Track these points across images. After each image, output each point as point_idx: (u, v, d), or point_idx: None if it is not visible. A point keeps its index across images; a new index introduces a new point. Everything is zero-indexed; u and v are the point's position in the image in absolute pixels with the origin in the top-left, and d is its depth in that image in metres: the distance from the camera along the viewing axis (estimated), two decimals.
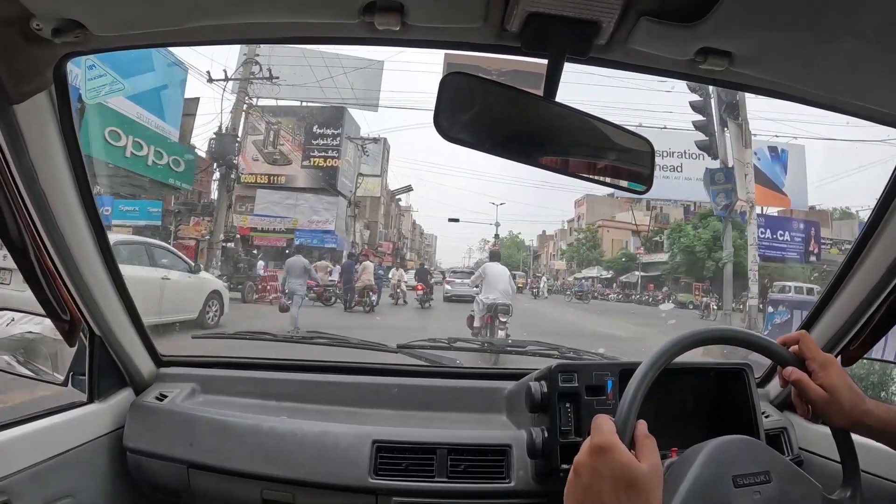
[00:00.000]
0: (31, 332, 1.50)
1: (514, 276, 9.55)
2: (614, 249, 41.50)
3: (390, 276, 17.85)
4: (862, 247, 1.26)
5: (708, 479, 0.84)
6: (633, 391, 0.80)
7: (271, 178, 31.91)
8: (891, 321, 1.28)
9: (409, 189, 42.09)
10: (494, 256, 9.72)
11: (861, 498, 0.90)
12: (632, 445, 0.74)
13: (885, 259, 1.21)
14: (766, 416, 1.50)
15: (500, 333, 7.98)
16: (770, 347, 0.94)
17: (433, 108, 0.80)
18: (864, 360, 1.50)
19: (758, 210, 28.67)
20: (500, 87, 0.85)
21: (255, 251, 24.83)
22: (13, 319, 1.48)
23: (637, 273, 36.93)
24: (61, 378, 1.41)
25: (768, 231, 27.92)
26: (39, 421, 1.21)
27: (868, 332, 1.33)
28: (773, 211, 28.91)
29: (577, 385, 1.26)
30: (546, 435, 1.23)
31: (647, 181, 0.94)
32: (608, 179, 0.93)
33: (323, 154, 32.38)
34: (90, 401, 1.37)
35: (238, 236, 24.26)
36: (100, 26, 0.84)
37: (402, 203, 48.44)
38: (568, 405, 1.25)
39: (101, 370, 1.39)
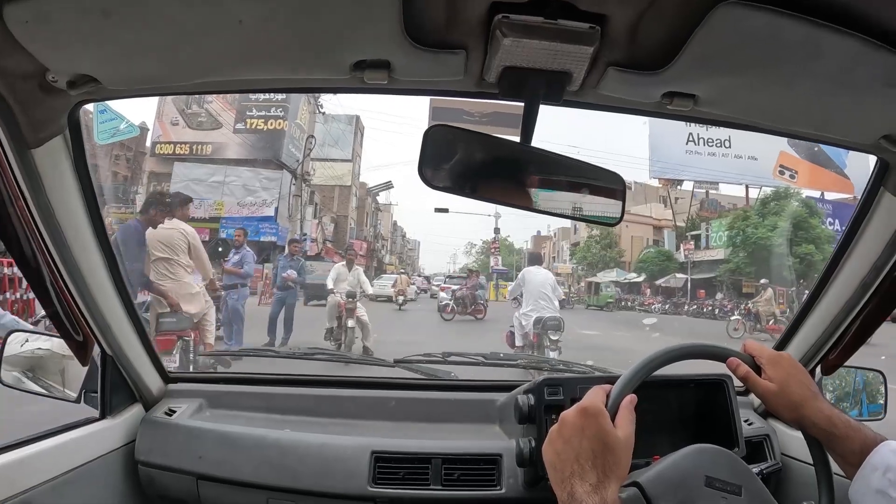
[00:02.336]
0: (40, 348, 1.57)
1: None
2: (634, 248, 35.43)
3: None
4: (838, 259, 1.32)
5: (683, 469, 0.90)
6: (630, 375, 0.90)
7: (194, 147, 23.92)
8: (867, 331, 1.34)
9: (388, 186, 36.34)
10: (534, 259, 8.25)
11: None
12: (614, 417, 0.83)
13: (860, 270, 1.27)
14: (750, 424, 1.55)
15: (552, 355, 6.15)
16: (710, 351, 1.00)
17: (417, 159, 0.87)
18: (844, 369, 1.55)
19: (816, 195, 25.06)
20: (480, 135, 0.93)
21: None
22: (27, 340, 1.56)
23: (680, 276, 29.04)
24: (74, 395, 1.48)
25: (837, 222, 24.70)
26: (57, 437, 1.27)
27: (846, 342, 1.39)
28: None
29: (562, 398, 1.33)
30: (533, 445, 1.30)
31: (619, 213, 1.01)
32: (582, 215, 1.01)
33: (264, 114, 24.65)
34: (102, 416, 1.44)
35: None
36: (112, 81, 0.91)
37: (382, 199, 41.50)
38: (554, 417, 1.30)
39: (113, 387, 1.45)
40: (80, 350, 1.32)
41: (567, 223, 43.78)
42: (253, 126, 24.53)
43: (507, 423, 1.51)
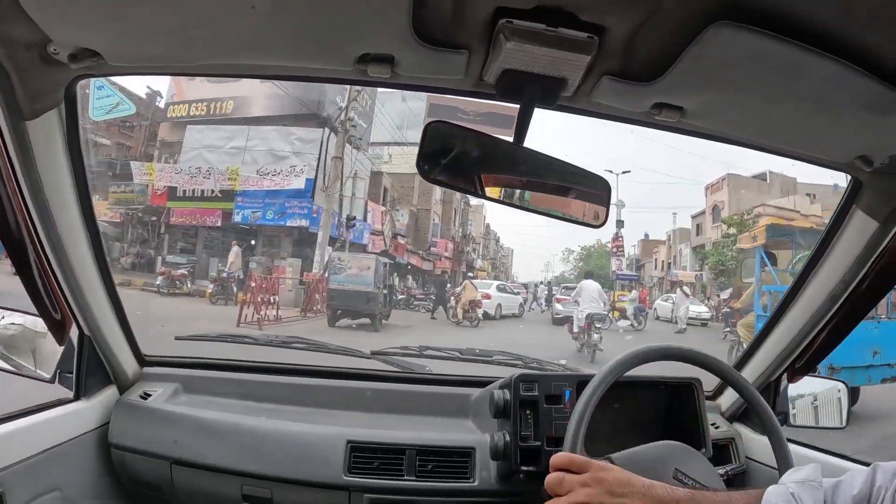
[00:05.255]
0: (14, 323, 1.53)
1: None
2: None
3: None
4: (808, 272, 1.38)
5: (655, 457, 1.00)
6: (578, 416, 0.99)
7: (212, 105, 19.23)
8: (833, 342, 1.40)
9: None
10: (588, 275, 12.44)
11: None
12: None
13: (829, 283, 1.33)
14: (716, 427, 1.61)
15: (595, 336, 10.03)
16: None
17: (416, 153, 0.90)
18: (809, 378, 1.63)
19: None
20: (476, 133, 0.96)
21: None
22: (3, 317, 1.52)
23: None
24: (48, 375, 1.45)
25: None
26: (29, 417, 1.26)
27: (812, 352, 1.45)
28: None
29: (537, 394, 1.36)
30: (507, 439, 1.33)
31: (604, 215, 1.06)
32: (568, 215, 1.05)
33: None
34: (76, 398, 1.42)
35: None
36: (115, 58, 0.91)
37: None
38: (528, 412, 1.35)
39: (88, 369, 1.44)
40: (58, 329, 1.30)
41: (686, 223, 37.94)
42: None
43: (481, 417, 1.54)
